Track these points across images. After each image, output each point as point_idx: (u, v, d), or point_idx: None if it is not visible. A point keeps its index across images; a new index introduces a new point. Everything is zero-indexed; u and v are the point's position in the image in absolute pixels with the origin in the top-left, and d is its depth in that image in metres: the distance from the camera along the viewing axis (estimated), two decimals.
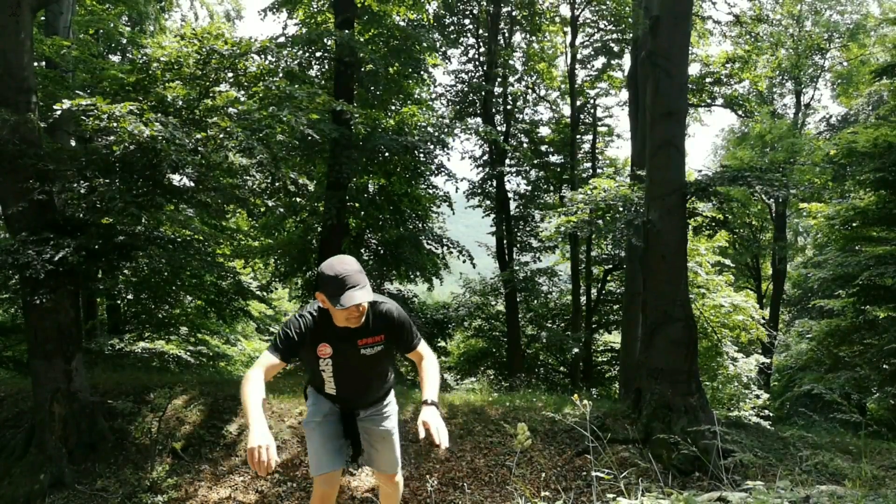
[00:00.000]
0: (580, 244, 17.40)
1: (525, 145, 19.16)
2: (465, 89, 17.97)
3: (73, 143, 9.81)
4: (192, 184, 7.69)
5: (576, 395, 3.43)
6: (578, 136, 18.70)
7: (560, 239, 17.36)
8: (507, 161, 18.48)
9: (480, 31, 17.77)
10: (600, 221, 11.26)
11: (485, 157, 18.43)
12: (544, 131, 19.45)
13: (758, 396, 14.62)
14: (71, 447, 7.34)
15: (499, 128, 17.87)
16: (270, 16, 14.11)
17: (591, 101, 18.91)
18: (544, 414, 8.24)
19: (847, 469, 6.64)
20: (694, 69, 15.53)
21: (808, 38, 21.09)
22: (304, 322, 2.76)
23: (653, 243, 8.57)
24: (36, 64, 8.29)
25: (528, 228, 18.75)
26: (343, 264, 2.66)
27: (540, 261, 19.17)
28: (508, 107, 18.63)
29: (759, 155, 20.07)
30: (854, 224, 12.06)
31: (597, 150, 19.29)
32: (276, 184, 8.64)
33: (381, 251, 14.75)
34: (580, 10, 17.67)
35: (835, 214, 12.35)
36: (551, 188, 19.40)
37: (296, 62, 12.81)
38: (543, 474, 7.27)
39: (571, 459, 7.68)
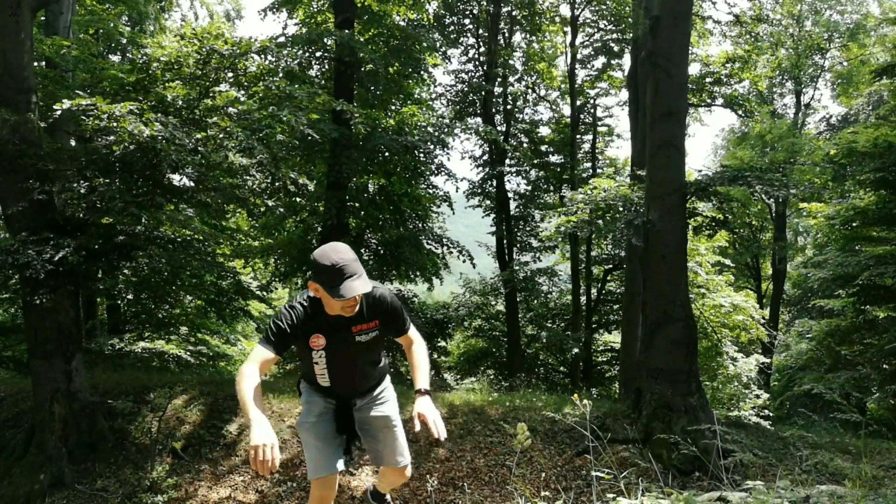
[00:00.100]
0: (580, 244, 17.40)
1: (525, 145, 19.16)
2: (465, 89, 17.98)
3: (73, 143, 9.81)
4: (192, 184, 7.69)
5: (576, 395, 3.43)
6: (578, 136, 18.70)
7: (560, 239, 17.37)
8: (507, 161, 18.48)
9: (480, 31, 17.77)
10: (600, 221, 11.27)
11: (485, 157, 18.43)
12: (544, 131, 19.47)
13: (758, 396, 14.63)
14: (71, 447, 7.34)
15: (499, 128, 17.87)
16: (270, 16, 14.13)
17: (591, 101, 18.92)
18: (544, 414, 8.24)
19: (847, 469, 6.65)
20: (694, 69, 15.55)
21: (808, 38, 21.09)
22: (296, 313, 2.69)
23: (653, 243, 8.57)
24: (36, 64, 8.29)
25: (528, 228, 18.75)
26: (338, 253, 2.59)
27: (540, 261, 19.17)
28: (508, 107, 18.63)
29: (759, 155, 20.07)
30: (854, 224, 12.07)
31: (597, 150, 19.30)
32: (276, 184, 8.64)
33: (381, 251, 14.74)
34: (580, 10, 17.67)
35: (835, 214, 12.35)
36: (551, 188, 19.41)
37: (296, 62, 12.81)
38: (543, 474, 7.27)
39: (571, 459, 7.68)
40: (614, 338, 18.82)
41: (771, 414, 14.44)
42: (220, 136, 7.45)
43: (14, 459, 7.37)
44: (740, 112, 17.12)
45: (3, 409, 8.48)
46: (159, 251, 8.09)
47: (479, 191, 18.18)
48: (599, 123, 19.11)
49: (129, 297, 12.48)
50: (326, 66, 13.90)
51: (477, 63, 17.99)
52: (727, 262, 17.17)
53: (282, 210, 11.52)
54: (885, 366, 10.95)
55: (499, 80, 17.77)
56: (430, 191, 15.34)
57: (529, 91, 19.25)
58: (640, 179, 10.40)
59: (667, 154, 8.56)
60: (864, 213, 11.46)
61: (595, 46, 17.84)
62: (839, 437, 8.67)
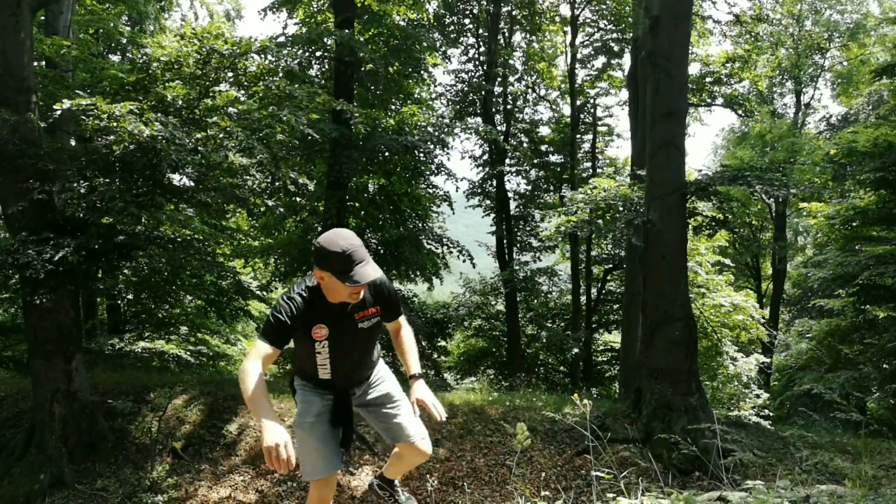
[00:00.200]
0: (580, 244, 17.41)
1: (525, 145, 19.17)
2: (465, 89, 17.98)
3: (73, 143, 9.81)
4: (192, 183, 7.69)
5: (576, 395, 3.43)
6: (578, 136, 18.70)
7: (560, 239, 17.38)
8: (507, 161, 18.49)
9: (480, 31, 17.78)
10: (600, 221, 11.27)
11: (485, 157, 18.43)
12: (544, 131, 19.48)
13: (758, 396, 14.63)
14: (71, 447, 7.34)
15: (499, 127, 17.88)
16: (270, 15, 14.13)
17: (591, 101, 18.92)
18: (544, 413, 8.24)
19: (847, 469, 6.65)
20: (694, 69, 15.56)
21: (808, 38, 21.09)
22: (296, 304, 2.60)
23: (653, 243, 8.57)
24: (36, 64, 8.29)
25: (528, 228, 18.76)
26: (346, 239, 2.52)
27: (540, 260, 19.18)
28: (508, 106, 18.64)
29: (759, 154, 20.06)
30: (854, 224, 12.07)
31: (597, 150, 19.31)
32: (276, 183, 8.64)
33: (381, 251, 14.74)
34: (580, 10, 17.68)
35: (835, 214, 12.35)
36: (551, 188, 19.41)
37: (296, 62, 12.80)
38: (543, 474, 7.27)
39: (571, 459, 7.68)
40: (614, 338, 18.83)
41: (771, 414, 14.44)
42: (220, 135, 7.45)
43: (14, 459, 7.37)
44: (740, 112, 17.13)
45: (3, 409, 8.48)
46: (159, 251, 8.09)
47: (479, 190, 18.19)
48: (599, 123, 19.12)
49: (129, 297, 12.47)
50: (326, 66, 13.90)
51: (477, 63, 17.99)
52: (727, 261, 17.16)
53: (282, 210, 11.52)
54: (885, 365, 10.95)
55: (499, 79, 17.77)
56: (430, 191, 15.34)
57: (529, 91, 19.26)
58: (640, 179, 10.40)
59: (667, 154, 8.56)
60: (864, 213, 11.46)
61: (595, 46, 17.85)
62: (839, 436, 8.67)
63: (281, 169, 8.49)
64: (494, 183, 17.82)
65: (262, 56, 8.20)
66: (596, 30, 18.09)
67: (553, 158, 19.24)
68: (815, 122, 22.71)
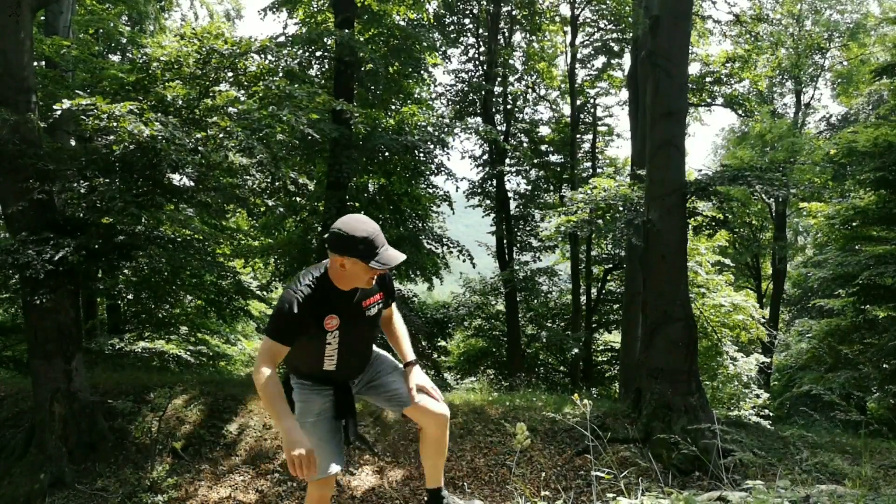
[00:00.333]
0: (580, 244, 17.40)
1: (525, 145, 19.16)
2: (465, 89, 17.97)
3: (73, 143, 9.80)
4: (192, 183, 7.68)
5: (576, 395, 3.43)
6: (578, 136, 18.69)
7: (560, 238, 17.37)
8: (507, 161, 18.48)
9: (480, 31, 17.77)
10: (600, 221, 11.28)
11: (485, 157, 18.43)
12: (544, 131, 19.46)
13: (758, 396, 14.61)
14: (71, 447, 7.34)
15: (499, 127, 17.87)
16: (270, 15, 14.11)
17: (591, 101, 18.92)
18: (544, 413, 8.24)
19: (847, 469, 6.65)
20: (694, 69, 15.55)
21: (808, 38, 21.09)
22: (305, 297, 2.54)
23: (653, 243, 8.57)
24: (36, 64, 8.29)
25: (528, 228, 18.75)
26: (365, 223, 2.50)
27: (540, 260, 19.17)
28: (508, 106, 18.63)
29: (759, 154, 20.05)
30: (854, 223, 12.07)
31: (597, 150, 19.30)
32: (276, 183, 8.64)
33: None
34: (580, 10, 17.67)
35: (835, 214, 12.35)
36: (551, 188, 19.40)
37: (296, 62, 12.78)
38: (543, 474, 7.27)
39: (571, 459, 7.69)
40: (614, 338, 18.82)
41: (771, 413, 14.43)
42: (220, 135, 7.45)
43: (14, 459, 7.37)
44: (740, 112, 17.13)
45: (3, 409, 8.48)
46: (159, 251, 8.09)
47: (479, 190, 18.18)
48: (599, 123, 19.11)
49: (129, 297, 12.46)
50: (326, 66, 13.89)
51: (477, 63, 17.98)
52: (727, 261, 17.16)
53: (282, 210, 11.52)
54: (885, 365, 10.95)
55: (499, 79, 17.76)
56: (430, 190, 15.32)
57: (529, 91, 19.25)
58: (640, 179, 10.40)
59: (667, 154, 8.56)
60: (864, 213, 11.46)
61: (595, 46, 17.84)
62: (839, 436, 8.66)
63: (281, 169, 8.50)
64: (494, 183, 17.81)
65: (262, 56, 8.21)
66: (596, 30, 18.09)
67: (553, 158, 19.23)
68: (815, 122, 22.73)
